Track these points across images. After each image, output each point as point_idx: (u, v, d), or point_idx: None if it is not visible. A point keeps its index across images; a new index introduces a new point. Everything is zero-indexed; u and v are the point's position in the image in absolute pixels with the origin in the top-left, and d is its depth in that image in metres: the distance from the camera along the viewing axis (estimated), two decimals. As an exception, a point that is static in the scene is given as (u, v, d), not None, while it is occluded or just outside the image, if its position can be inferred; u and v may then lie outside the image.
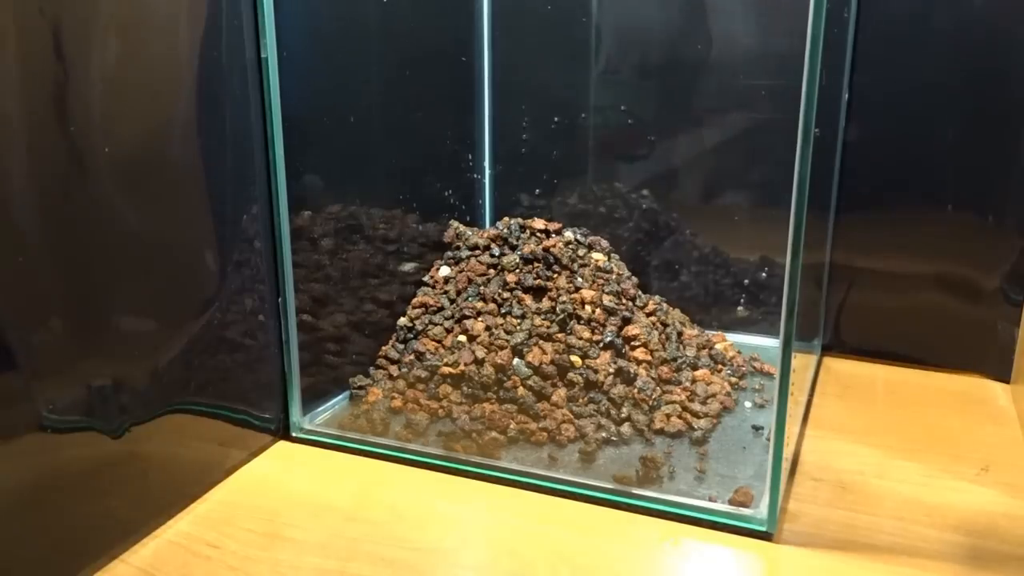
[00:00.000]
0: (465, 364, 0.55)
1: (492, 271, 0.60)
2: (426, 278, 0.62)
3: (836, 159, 0.63)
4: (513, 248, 0.60)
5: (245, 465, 0.51)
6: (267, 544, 0.43)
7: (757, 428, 0.53)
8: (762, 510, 0.43)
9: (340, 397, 0.57)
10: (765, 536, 0.43)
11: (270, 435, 0.53)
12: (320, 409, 0.56)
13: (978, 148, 0.61)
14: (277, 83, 0.49)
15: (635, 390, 0.53)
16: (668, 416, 0.52)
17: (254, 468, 0.51)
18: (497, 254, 0.60)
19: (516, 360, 0.54)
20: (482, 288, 0.58)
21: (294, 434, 0.54)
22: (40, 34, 0.36)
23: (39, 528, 0.38)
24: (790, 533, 0.43)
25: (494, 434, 0.50)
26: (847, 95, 0.62)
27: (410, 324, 0.60)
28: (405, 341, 0.59)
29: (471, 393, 0.54)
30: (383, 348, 0.60)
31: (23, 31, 0.35)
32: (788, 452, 0.46)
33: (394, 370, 0.58)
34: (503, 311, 0.57)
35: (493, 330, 0.56)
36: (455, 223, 0.64)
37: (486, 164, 0.75)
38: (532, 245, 0.59)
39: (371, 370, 0.59)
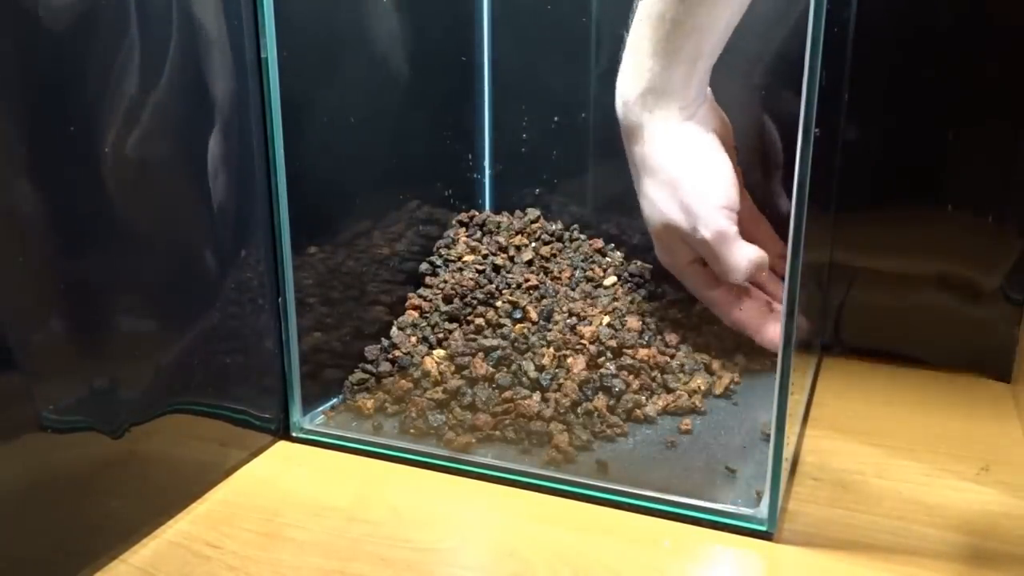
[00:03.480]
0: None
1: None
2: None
3: (836, 159, 0.62)
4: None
5: (245, 465, 0.51)
6: (267, 544, 0.43)
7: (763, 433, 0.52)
8: (762, 510, 0.43)
9: (340, 398, 0.57)
10: (765, 536, 0.43)
11: (270, 435, 0.53)
12: (320, 409, 0.56)
13: (978, 148, 0.61)
14: (277, 83, 0.49)
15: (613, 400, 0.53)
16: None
17: (254, 468, 0.51)
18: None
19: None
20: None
21: (294, 434, 0.54)
22: (39, 33, 0.36)
23: (39, 528, 0.38)
24: (790, 533, 0.43)
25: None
26: (847, 95, 0.62)
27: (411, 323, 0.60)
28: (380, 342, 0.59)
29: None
30: (367, 349, 0.59)
31: (22, 31, 0.35)
32: (788, 452, 0.46)
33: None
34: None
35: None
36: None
37: (486, 164, 0.75)
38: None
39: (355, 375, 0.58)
